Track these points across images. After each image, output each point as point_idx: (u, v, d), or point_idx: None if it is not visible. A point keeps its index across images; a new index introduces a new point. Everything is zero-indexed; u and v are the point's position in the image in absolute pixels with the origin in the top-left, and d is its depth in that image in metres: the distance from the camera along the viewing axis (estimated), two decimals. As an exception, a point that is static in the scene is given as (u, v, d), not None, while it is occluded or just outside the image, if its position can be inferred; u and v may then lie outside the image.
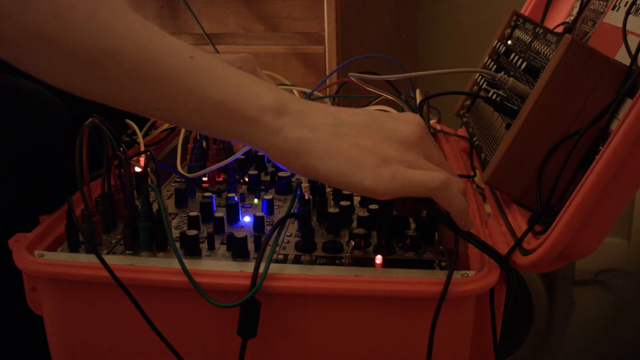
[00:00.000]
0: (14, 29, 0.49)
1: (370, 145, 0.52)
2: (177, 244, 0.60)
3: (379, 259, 0.59)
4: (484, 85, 0.82)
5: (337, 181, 0.52)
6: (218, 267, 0.57)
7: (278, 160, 0.53)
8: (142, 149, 0.77)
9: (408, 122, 0.55)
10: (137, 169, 0.73)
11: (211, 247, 0.61)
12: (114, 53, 0.50)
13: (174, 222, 0.67)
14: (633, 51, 0.60)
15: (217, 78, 0.52)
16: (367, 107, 0.59)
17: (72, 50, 0.50)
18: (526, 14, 0.97)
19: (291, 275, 0.55)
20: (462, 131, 0.98)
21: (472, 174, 0.82)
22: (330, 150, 0.52)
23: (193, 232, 0.59)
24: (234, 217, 0.66)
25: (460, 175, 0.64)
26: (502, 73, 0.71)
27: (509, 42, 0.84)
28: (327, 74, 1.29)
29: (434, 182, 0.52)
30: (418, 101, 0.84)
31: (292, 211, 0.61)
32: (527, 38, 0.78)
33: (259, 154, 0.82)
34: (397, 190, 0.51)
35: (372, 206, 0.66)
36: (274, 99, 0.52)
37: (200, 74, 0.52)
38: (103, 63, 0.51)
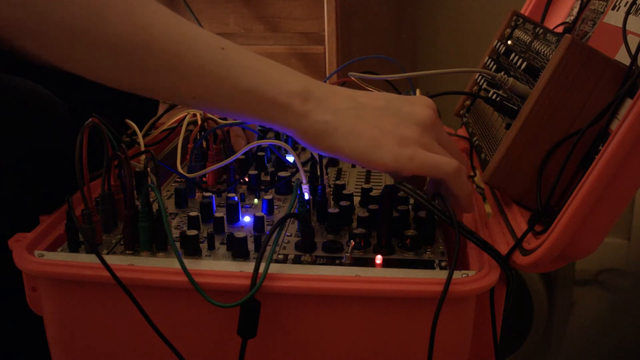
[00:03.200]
0: (52, 26, 0.52)
1: (390, 127, 0.58)
2: (177, 244, 0.60)
3: (379, 259, 0.59)
4: (484, 85, 0.82)
5: (360, 159, 0.57)
6: (218, 267, 0.57)
7: (305, 141, 0.58)
8: (142, 149, 0.77)
9: (422, 106, 0.60)
10: (137, 169, 0.73)
11: (211, 247, 0.61)
12: (150, 46, 0.54)
13: (174, 222, 0.67)
14: (633, 51, 0.60)
15: (247, 67, 0.57)
16: (381, 92, 0.63)
17: (109, 45, 0.53)
18: (526, 14, 0.97)
19: (291, 275, 0.55)
20: (462, 131, 0.98)
21: (472, 174, 0.82)
22: (353, 132, 0.57)
23: (193, 232, 0.59)
24: (234, 217, 0.66)
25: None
26: (502, 73, 0.71)
27: (509, 42, 0.84)
28: (327, 74, 1.29)
29: (449, 167, 0.57)
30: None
31: (292, 211, 0.61)
32: (527, 38, 0.78)
33: (259, 154, 0.82)
34: (415, 169, 0.57)
35: (372, 206, 0.66)
36: (299, 85, 0.57)
37: (231, 64, 0.56)
38: (140, 56, 0.54)
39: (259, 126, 0.85)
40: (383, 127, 0.57)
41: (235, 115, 0.59)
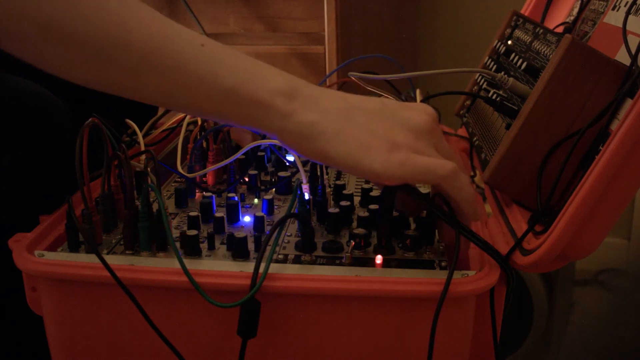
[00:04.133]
0: (25, 24, 0.50)
1: (381, 131, 0.53)
2: (177, 244, 0.60)
3: (379, 259, 0.59)
4: (484, 85, 0.82)
5: (347, 165, 0.52)
6: (218, 267, 0.57)
7: (289, 144, 0.54)
8: (142, 149, 0.77)
9: (420, 111, 0.56)
10: (137, 169, 0.73)
11: (211, 247, 0.61)
12: (125, 44, 0.51)
13: (174, 222, 0.67)
14: (633, 51, 0.60)
15: (227, 64, 0.53)
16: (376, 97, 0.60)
17: (82, 42, 0.51)
18: (526, 14, 0.97)
19: (291, 275, 0.55)
20: (462, 131, 0.98)
21: (472, 174, 0.82)
22: (340, 134, 0.52)
23: (193, 232, 0.59)
24: (234, 217, 0.66)
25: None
26: (502, 73, 0.71)
27: (509, 42, 0.84)
28: (327, 74, 1.29)
29: (444, 169, 0.52)
30: (418, 101, 0.84)
31: (292, 211, 0.61)
32: (527, 38, 0.78)
33: (259, 154, 0.82)
34: (405, 175, 0.52)
35: (372, 206, 0.66)
36: (284, 83, 0.53)
37: (211, 61, 0.53)
38: (114, 54, 0.51)
39: None
40: (374, 131, 0.53)
41: (215, 117, 0.55)
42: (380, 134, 0.53)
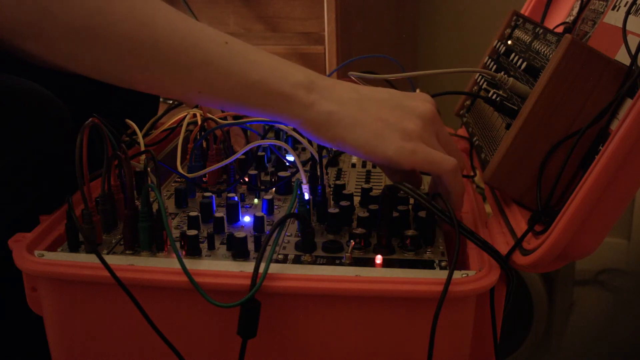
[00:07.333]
0: (58, 27, 0.53)
1: (393, 120, 0.59)
2: (177, 244, 0.60)
3: (379, 259, 0.59)
4: (484, 85, 0.82)
5: (363, 150, 0.58)
6: (218, 267, 0.57)
7: (309, 131, 0.59)
8: (142, 149, 0.77)
9: (423, 101, 0.62)
10: (137, 169, 0.73)
11: (211, 247, 0.61)
12: (155, 43, 0.55)
13: (174, 222, 0.67)
14: (633, 51, 0.60)
15: (252, 60, 0.58)
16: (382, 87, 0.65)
17: (114, 43, 0.54)
18: (526, 14, 0.97)
19: (291, 275, 0.55)
20: (462, 131, 0.98)
21: (472, 174, 0.82)
22: (357, 123, 0.58)
23: (193, 232, 0.59)
24: (234, 217, 0.66)
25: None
26: (502, 73, 0.71)
27: (509, 42, 0.84)
28: (327, 74, 1.29)
29: (449, 164, 0.59)
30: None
31: (292, 211, 0.61)
32: (527, 38, 0.78)
33: (259, 154, 0.82)
34: (415, 164, 0.58)
35: (372, 206, 0.66)
36: (303, 77, 0.59)
37: (236, 58, 0.57)
38: (145, 53, 0.55)
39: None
40: (386, 120, 0.58)
41: (240, 108, 0.59)
42: (392, 123, 0.58)
